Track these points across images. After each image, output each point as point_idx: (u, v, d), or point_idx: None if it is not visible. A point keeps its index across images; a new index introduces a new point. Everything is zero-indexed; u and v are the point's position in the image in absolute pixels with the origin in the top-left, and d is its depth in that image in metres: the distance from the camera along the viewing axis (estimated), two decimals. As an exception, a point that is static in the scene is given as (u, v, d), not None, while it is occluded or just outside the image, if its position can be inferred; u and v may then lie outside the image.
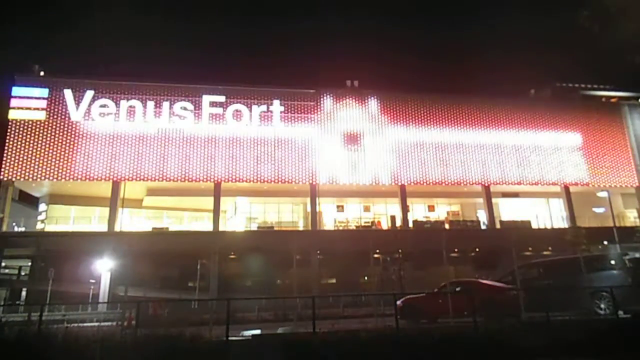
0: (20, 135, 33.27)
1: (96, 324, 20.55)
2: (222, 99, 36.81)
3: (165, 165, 34.58)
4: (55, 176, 33.19)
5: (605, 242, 32.04)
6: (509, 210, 42.38)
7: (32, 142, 33.30)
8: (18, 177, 32.94)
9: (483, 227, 38.82)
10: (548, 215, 42.99)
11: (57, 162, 33.30)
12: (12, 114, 33.64)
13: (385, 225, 39.88)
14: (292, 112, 37.58)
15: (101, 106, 34.95)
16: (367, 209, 41.52)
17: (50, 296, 26.95)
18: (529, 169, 39.90)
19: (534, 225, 40.87)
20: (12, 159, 32.82)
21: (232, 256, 35.11)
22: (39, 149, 33.25)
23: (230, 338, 11.66)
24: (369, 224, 40.01)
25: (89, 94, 34.96)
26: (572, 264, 16.91)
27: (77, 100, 34.67)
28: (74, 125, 34.21)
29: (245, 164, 35.68)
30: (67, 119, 34.24)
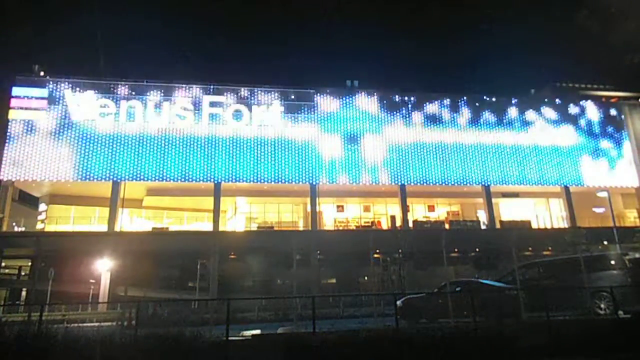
0: (20, 135, 33.28)
1: (96, 324, 20.53)
2: (222, 99, 36.83)
3: (165, 165, 34.58)
4: (55, 176, 33.20)
5: (605, 242, 32.02)
6: (509, 210, 42.37)
7: (32, 142, 33.31)
8: (18, 177, 32.95)
9: (483, 227, 38.80)
10: (548, 215, 42.99)
11: (57, 162, 33.30)
12: (12, 114, 33.65)
13: (385, 225, 39.88)
14: (292, 112, 37.58)
15: (101, 106, 34.97)
16: (367, 209, 41.53)
17: (50, 296, 26.94)
18: (528, 169, 39.88)
19: (534, 225, 40.85)
20: (12, 159, 32.82)
21: (232, 256, 35.10)
22: (39, 149, 33.27)
23: (230, 338, 11.64)
24: (369, 224, 40.00)
25: (89, 94, 34.99)
26: (572, 264, 16.88)
27: (77, 100, 34.67)
28: (74, 125, 34.22)
29: (245, 164, 35.68)
30: (67, 119, 34.25)
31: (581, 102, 44.30)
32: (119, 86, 35.76)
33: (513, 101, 41.99)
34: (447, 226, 38.63)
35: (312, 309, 12.58)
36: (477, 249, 35.68)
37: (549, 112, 42.15)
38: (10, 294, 37.07)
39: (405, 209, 37.65)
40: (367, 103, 39.03)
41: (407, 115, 39.37)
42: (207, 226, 35.91)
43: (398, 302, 15.20)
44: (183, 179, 34.72)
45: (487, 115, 40.72)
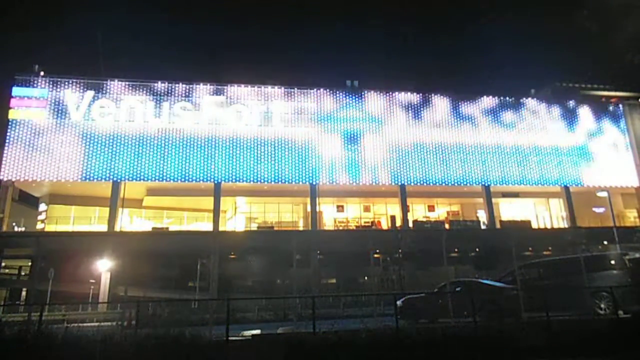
0: (20, 135, 33.29)
1: (96, 324, 20.54)
2: (222, 99, 36.84)
3: (165, 165, 34.59)
4: (55, 176, 33.20)
5: (605, 242, 32.02)
6: (509, 210, 42.36)
7: (32, 142, 33.32)
8: (18, 177, 32.96)
9: (483, 227, 38.80)
10: (548, 215, 42.98)
11: (57, 162, 33.31)
12: (12, 114, 33.67)
13: (385, 225, 39.87)
14: (292, 112, 37.57)
15: (101, 106, 34.97)
16: (367, 209, 41.51)
17: (50, 296, 26.94)
18: (529, 169, 39.86)
19: (534, 225, 40.82)
20: (12, 159, 32.82)
21: (232, 256, 35.10)
22: (39, 149, 33.27)
23: (230, 338, 11.65)
24: (369, 224, 39.99)
25: (89, 94, 35.01)
26: (572, 264, 16.89)
27: (77, 100, 34.71)
28: (74, 125, 34.23)
29: (245, 164, 35.68)
30: (67, 119, 34.27)
31: (581, 102, 44.31)
32: (119, 86, 35.78)
33: (513, 101, 41.95)
34: (447, 226, 38.62)
35: (312, 309, 12.59)
36: (477, 249, 35.68)
37: (549, 112, 42.15)
38: (10, 294, 37.09)
39: (405, 209, 37.64)
40: (367, 103, 39.02)
41: (408, 115, 39.36)
42: (207, 226, 35.91)
43: (398, 302, 15.22)
44: (183, 179, 34.72)
45: (487, 115, 40.70)
